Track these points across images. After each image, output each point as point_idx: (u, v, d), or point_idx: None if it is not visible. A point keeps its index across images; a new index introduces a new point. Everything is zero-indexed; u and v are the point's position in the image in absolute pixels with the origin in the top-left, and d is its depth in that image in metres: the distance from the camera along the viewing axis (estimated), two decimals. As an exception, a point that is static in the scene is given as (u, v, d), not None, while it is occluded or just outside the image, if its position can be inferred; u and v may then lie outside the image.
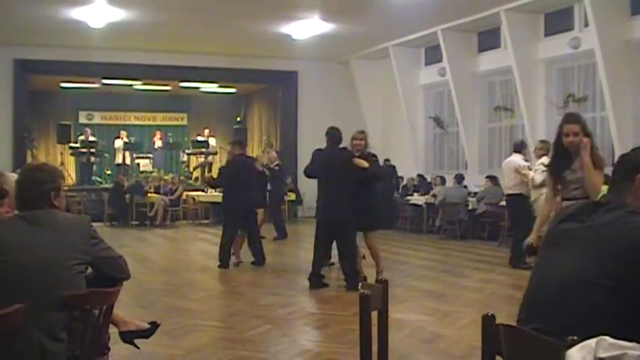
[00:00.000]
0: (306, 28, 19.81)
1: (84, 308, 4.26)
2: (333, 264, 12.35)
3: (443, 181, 19.89)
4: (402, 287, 10.83)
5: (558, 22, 17.52)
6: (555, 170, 6.96)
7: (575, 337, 2.50)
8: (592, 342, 2.46)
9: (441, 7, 17.90)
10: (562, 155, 6.88)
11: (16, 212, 4.44)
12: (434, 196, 19.52)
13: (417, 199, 20.73)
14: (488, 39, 19.96)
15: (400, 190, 21.85)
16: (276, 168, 18.06)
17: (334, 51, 23.41)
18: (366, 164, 10.76)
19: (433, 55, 21.98)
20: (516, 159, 13.52)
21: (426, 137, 23.33)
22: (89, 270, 4.43)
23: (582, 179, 6.70)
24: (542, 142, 13.24)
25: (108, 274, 4.47)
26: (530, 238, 6.95)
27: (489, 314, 3.05)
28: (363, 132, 11.22)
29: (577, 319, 2.75)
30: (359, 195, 10.79)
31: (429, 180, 21.50)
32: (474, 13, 18.51)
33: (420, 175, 22.13)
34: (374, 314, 3.70)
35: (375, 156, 11.29)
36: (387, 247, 16.81)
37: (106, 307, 4.36)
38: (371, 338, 3.58)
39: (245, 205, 13.31)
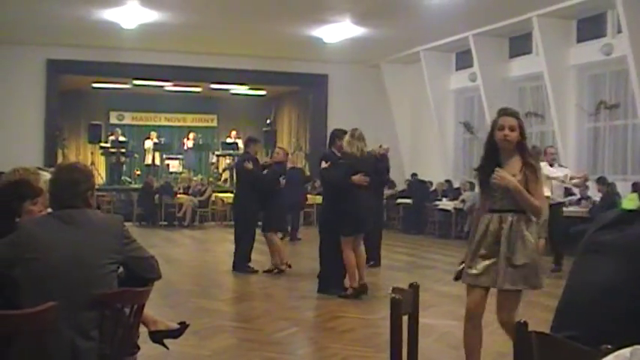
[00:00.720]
0: (338, 31, 19.82)
1: (115, 307, 4.29)
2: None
3: (472, 186, 19.83)
4: (430, 292, 10.79)
5: (591, 28, 17.43)
6: (483, 176, 5.80)
7: (610, 346, 2.48)
8: (626, 351, 2.43)
9: (472, 12, 17.85)
10: (492, 156, 5.75)
11: (50, 211, 4.48)
12: (463, 201, 19.47)
13: (445, 204, 20.69)
14: (520, 44, 19.88)
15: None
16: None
17: (365, 54, 23.40)
18: (324, 166, 10.50)
19: (464, 60, 21.92)
20: None
21: (456, 142, 23.26)
22: (121, 269, 4.46)
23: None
24: (534, 147, 13.52)
25: (139, 274, 4.49)
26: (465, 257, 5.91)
27: (522, 321, 3.03)
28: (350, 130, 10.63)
29: (611, 327, 2.73)
30: (339, 199, 10.32)
31: (457, 185, 21.45)
32: (505, 19, 18.45)
33: (447, 181, 22.08)
34: (403, 319, 3.70)
35: (340, 158, 10.51)
36: (416, 251, 16.82)
37: (136, 307, 4.38)
38: (401, 343, 3.58)
39: (235, 206, 13.35)
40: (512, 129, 5.58)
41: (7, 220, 4.40)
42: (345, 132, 10.64)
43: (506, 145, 5.61)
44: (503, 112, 5.75)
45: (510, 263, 5.53)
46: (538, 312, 8.90)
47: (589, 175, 13.94)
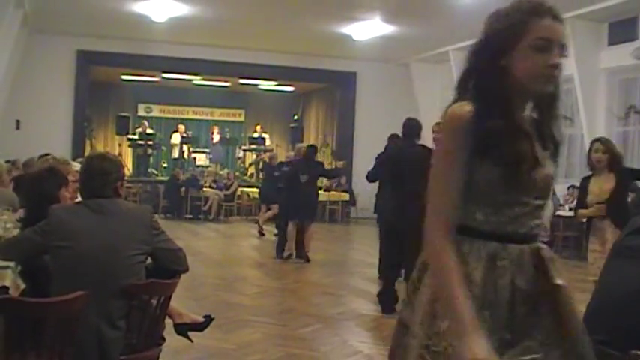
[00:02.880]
0: (368, 29, 19.78)
1: (142, 298, 4.32)
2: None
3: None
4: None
5: (622, 31, 17.28)
6: (495, 150, 2.48)
7: (639, 352, 2.46)
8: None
9: (503, 13, 17.76)
10: (505, 108, 2.52)
11: (79, 199, 4.52)
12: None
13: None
14: (550, 46, 19.72)
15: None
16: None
17: (394, 53, 23.34)
18: None
19: (493, 61, 21.81)
20: None
21: (484, 143, 23.16)
22: (149, 260, 4.49)
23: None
24: None
25: (167, 266, 4.52)
26: None
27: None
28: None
29: (641, 332, 2.70)
30: None
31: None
32: (536, 20, 18.34)
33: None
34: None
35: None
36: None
37: (163, 298, 4.41)
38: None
39: None
40: (563, 50, 2.53)
41: (47, 206, 4.42)
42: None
43: (546, 86, 2.53)
44: (543, 7, 2.53)
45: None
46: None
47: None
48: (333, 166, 20.29)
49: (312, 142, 28.06)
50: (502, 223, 2.48)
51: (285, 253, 13.75)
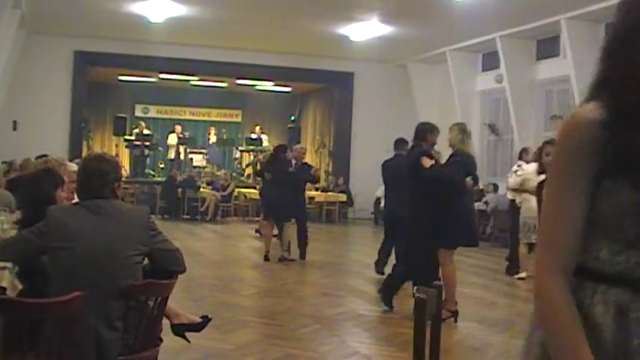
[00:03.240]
0: (365, 29, 19.78)
1: (140, 299, 4.32)
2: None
3: (495, 188, 19.75)
4: (452, 293, 10.75)
5: (620, 32, 17.28)
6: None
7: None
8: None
9: (500, 14, 17.76)
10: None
11: (76, 200, 4.52)
12: (486, 203, 19.41)
13: (468, 205, 20.61)
14: (548, 47, 19.72)
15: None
16: None
17: (392, 54, 23.33)
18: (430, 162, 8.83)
19: (491, 62, 21.78)
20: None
21: (481, 144, 23.13)
22: (146, 261, 4.49)
23: None
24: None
25: (164, 266, 4.52)
26: None
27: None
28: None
29: None
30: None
31: (480, 187, 21.35)
32: (533, 21, 18.32)
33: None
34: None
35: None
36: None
37: (160, 299, 4.41)
38: (425, 342, 3.58)
39: None
40: None
41: (44, 207, 4.42)
42: (433, 125, 9.36)
43: None
44: None
45: None
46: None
47: None
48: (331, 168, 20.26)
49: (309, 143, 28.17)
50: (634, 265, 1.91)
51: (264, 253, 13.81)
